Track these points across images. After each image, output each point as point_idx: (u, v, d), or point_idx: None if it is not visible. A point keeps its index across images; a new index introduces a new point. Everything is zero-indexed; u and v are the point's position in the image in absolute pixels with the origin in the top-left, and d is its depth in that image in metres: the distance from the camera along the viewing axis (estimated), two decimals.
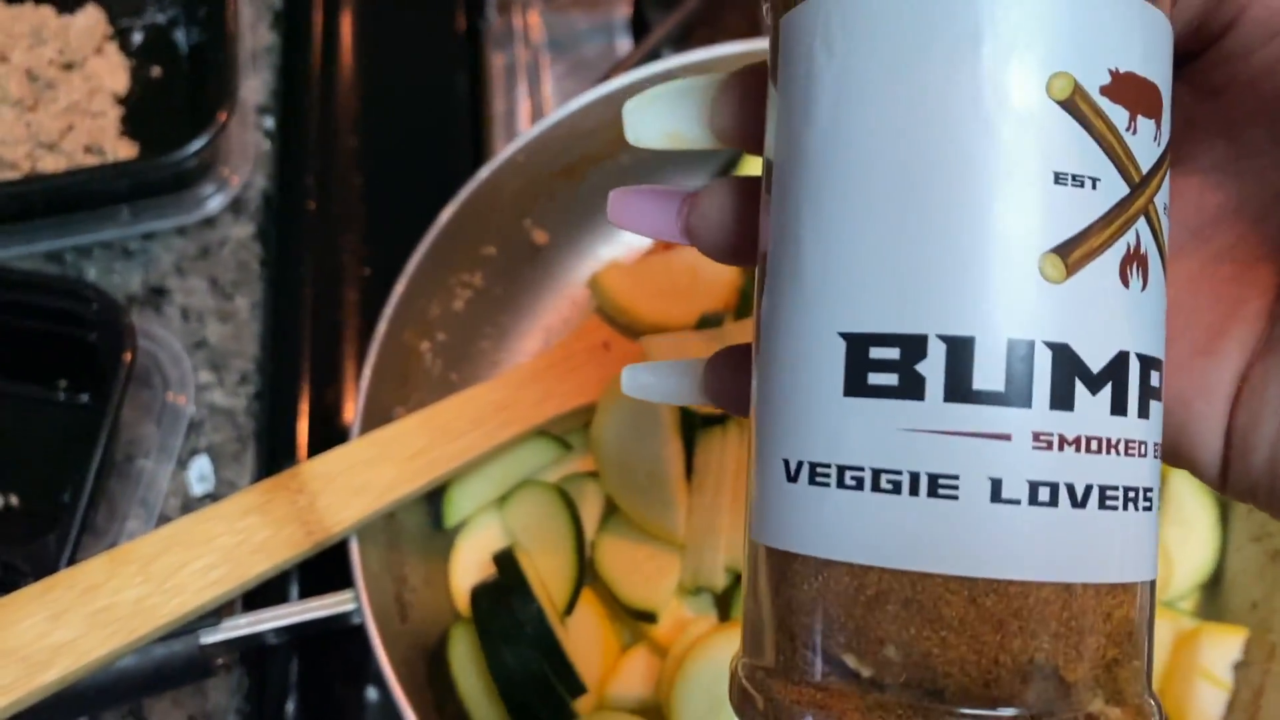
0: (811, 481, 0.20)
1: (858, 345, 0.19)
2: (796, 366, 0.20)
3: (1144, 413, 0.20)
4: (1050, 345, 0.19)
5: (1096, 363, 0.19)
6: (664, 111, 0.25)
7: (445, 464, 0.45)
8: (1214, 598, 0.50)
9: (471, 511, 0.50)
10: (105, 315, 0.55)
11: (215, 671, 0.42)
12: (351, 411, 0.59)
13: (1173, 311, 0.22)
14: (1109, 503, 0.19)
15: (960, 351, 0.19)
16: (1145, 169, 0.19)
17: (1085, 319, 0.19)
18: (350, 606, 0.44)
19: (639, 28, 0.72)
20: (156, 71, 0.69)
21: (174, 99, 0.68)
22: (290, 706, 0.52)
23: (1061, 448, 0.19)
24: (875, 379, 0.19)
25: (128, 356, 0.55)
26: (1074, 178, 0.19)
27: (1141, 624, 0.20)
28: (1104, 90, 0.19)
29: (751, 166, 0.56)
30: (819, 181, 0.20)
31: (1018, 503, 0.18)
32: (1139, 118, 0.19)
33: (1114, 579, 0.19)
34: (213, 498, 0.60)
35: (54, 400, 0.60)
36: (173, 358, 0.62)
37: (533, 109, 0.69)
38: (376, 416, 0.48)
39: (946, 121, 0.19)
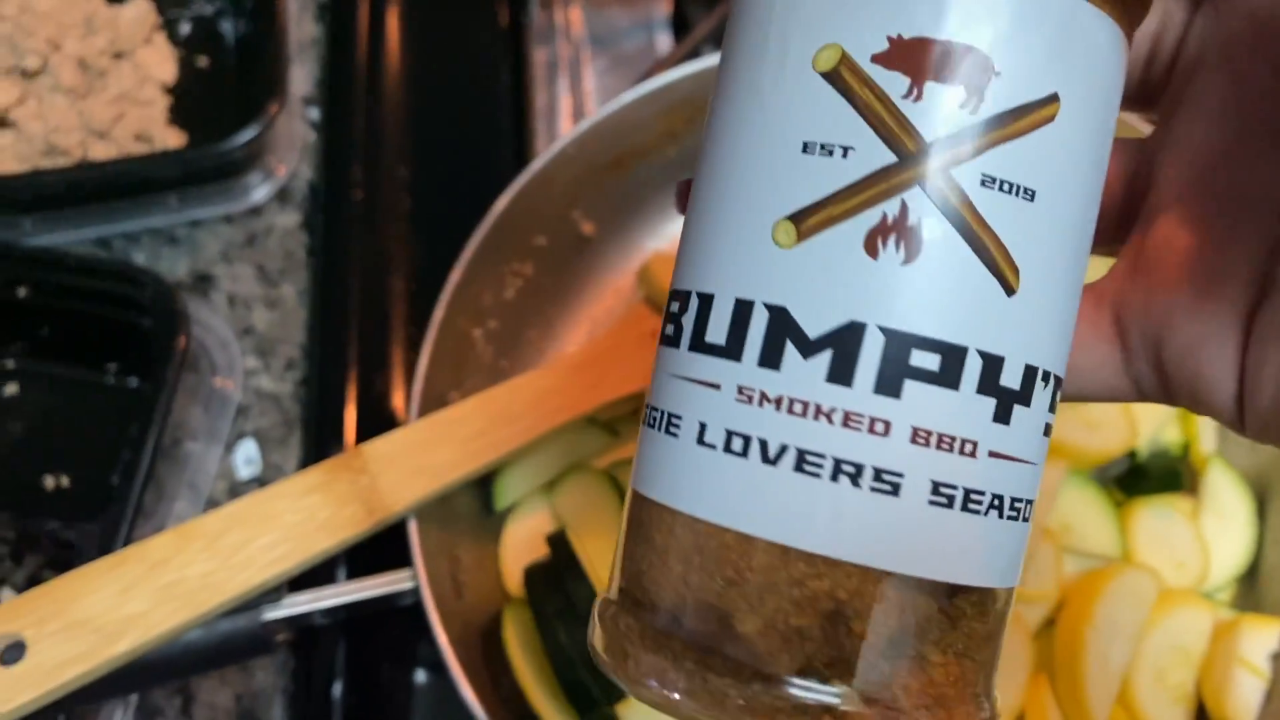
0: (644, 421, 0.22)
1: (669, 300, 0.22)
2: None
3: (888, 389, 0.19)
4: (769, 306, 0.19)
5: (815, 329, 0.19)
6: None
7: (503, 446, 0.46)
8: (1251, 589, 0.50)
9: (521, 496, 0.51)
10: (160, 301, 0.55)
11: (275, 648, 0.43)
12: (399, 398, 0.60)
13: (1177, 256, 0.21)
14: (808, 467, 0.19)
15: (704, 307, 0.20)
16: (931, 137, 0.19)
17: (810, 285, 0.19)
18: (408, 585, 0.45)
19: (679, 24, 0.73)
20: (204, 62, 0.70)
21: (221, 89, 0.69)
22: (337, 688, 0.53)
23: (761, 404, 0.19)
24: (666, 329, 0.21)
25: (181, 342, 0.56)
26: (822, 146, 0.19)
27: (861, 612, 0.19)
28: (877, 58, 0.19)
29: None
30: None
31: (714, 448, 0.19)
32: (928, 83, 0.19)
33: (798, 544, 0.19)
34: (259, 481, 0.61)
35: (103, 383, 0.61)
36: (220, 343, 0.63)
37: (574, 104, 0.70)
38: (432, 401, 0.48)
39: (736, 96, 0.21)
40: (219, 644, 0.42)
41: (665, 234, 0.59)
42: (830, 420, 0.19)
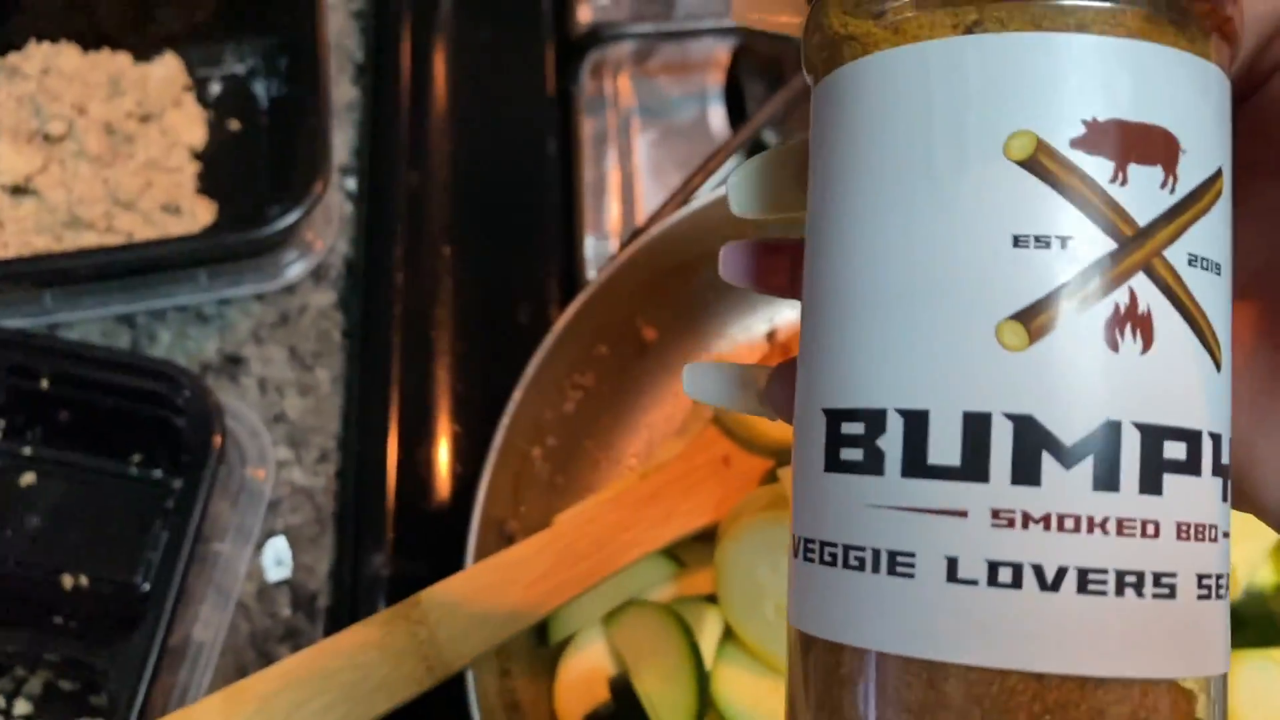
0: (804, 557, 0.20)
1: (833, 421, 0.20)
2: (799, 443, 0.21)
3: (1151, 488, 0.18)
4: (1010, 417, 0.18)
5: (1071, 435, 0.18)
6: (766, 180, 0.25)
7: (569, 590, 0.43)
8: None
9: (577, 628, 0.48)
10: (195, 399, 0.52)
11: None
12: (441, 497, 0.57)
13: (1237, 344, 0.22)
14: (1093, 586, 0.18)
15: (916, 425, 0.19)
16: (1144, 220, 0.18)
17: (1055, 388, 0.18)
18: None
19: (733, 96, 0.70)
20: (235, 125, 0.66)
21: (253, 154, 0.66)
22: None
23: (1026, 525, 0.18)
24: (845, 454, 0.19)
25: (217, 440, 0.52)
26: (1037, 239, 0.18)
27: None
28: (1075, 143, 0.18)
29: None
30: (811, 258, 0.21)
31: (975, 583, 0.18)
32: (1130, 166, 0.18)
33: (1100, 672, 0.18)
34: (289, 584, 0.58)
35: (126, 474, 0.58)
36: (250, 432, 0.59)
37: (622, 178, 0.67)
38: (490, 530, 0.45)
39: (904, 194, 0.19)
40: None
41: (729, 336, 0.56)
42: (1105, 530, 0.18)
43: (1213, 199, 0.19)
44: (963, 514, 0.18)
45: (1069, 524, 0.18)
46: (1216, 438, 0.19)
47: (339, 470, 0.60)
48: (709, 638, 0.46)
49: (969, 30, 0.19)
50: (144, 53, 0.66)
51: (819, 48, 0.21)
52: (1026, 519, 0.18)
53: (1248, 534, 0.48)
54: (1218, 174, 0.19)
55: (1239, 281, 0.22)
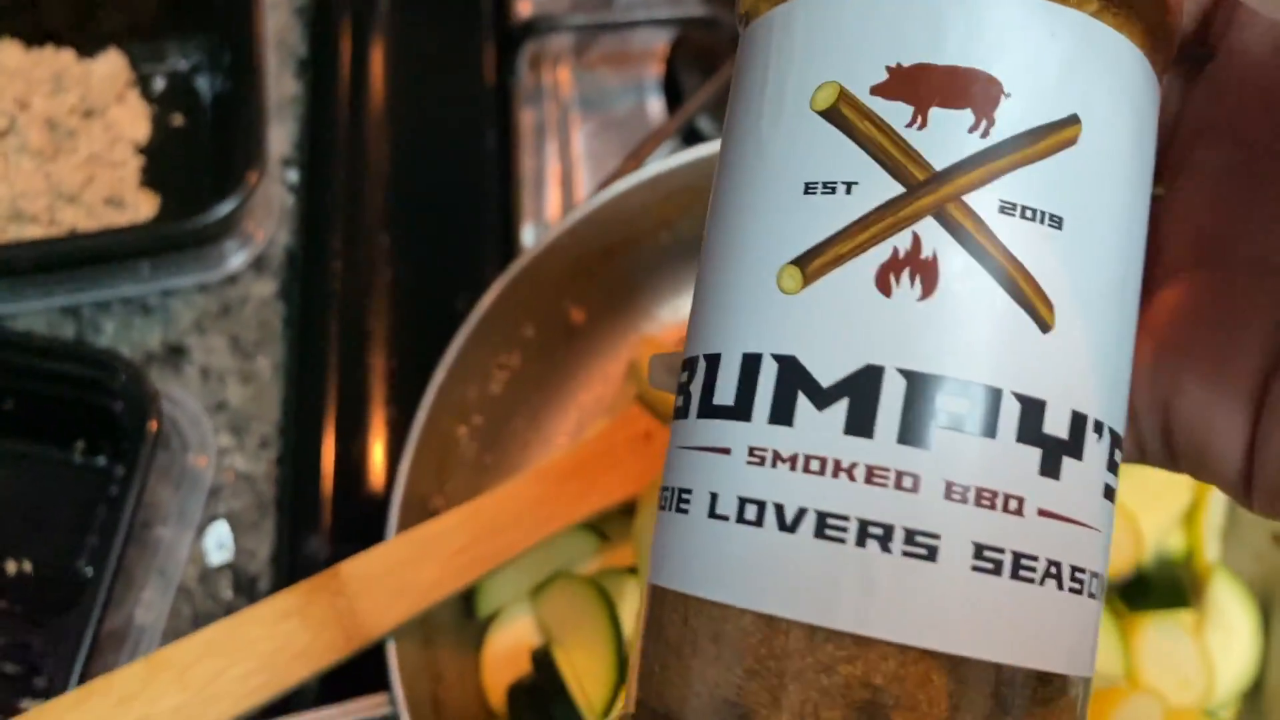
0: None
1: (681, 370, 0.21)
2: None
3: (914, 439, 0.17)
4: (777, 358, 0.18)
5: (828, 376, 0.17)
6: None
7: (488, 562, 0.44)
8: (1255, 706, 0.49)
9: (504, 602, 0.49)
10: (131, 386, 0.53)
11: None
12: (378, 481, 0.58)
13: (1188, 323, 0.21)
14: (831, 532, 0.17)
15: (711, 368, 0.19)
16: (941, 165, 0.18)
17: (820, 330, 0.18)
18: (386, 710, 0.43)
19: (671, 88, 0.71)
20: (178, 120, 0.67)
21: (196, 148, 0.67)
22: None
23: (775, 464, 0.18)
24: (677, 402, 0.20)
25: (153, 425, 0.53)
26: (825, 185, 0.18)
27: (901, 700, 0.16)
28: (876, 89, 0.18)
29: None
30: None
31: (727, 519, 0.18)
32: (932, 109, 0.18)
33: (826, 622, 0.17)
34: (231, 567, 0.59)
35: (69, 462, 0.59)
36: (192, 419, 0.60)
37: (562, 170, 0.68)
38: (413, 506, 0.46)
39: (735, 145, 0.20)
40: None
41: (656, 319, 0.58)
42: (851, 476, 0.17)
43: (1053, 146, 0.18)
44: (726, 451, 0.18)
45: (814, 466, 0.17)
46: (1036, 403, 0.17)
47: (279, 457, 0.61)
48: (630, 608, 0.48)
49: None
50: (87, 49, 0.67)
51: (740, 7, 0.22)
52: (777, 458, 0.17)
53: (1156, 500, 0.49)
54: (1067, 120, 0.18)
55: (1184, 255, 0.21)
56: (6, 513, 0.58)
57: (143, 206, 0.63)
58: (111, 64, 0.67)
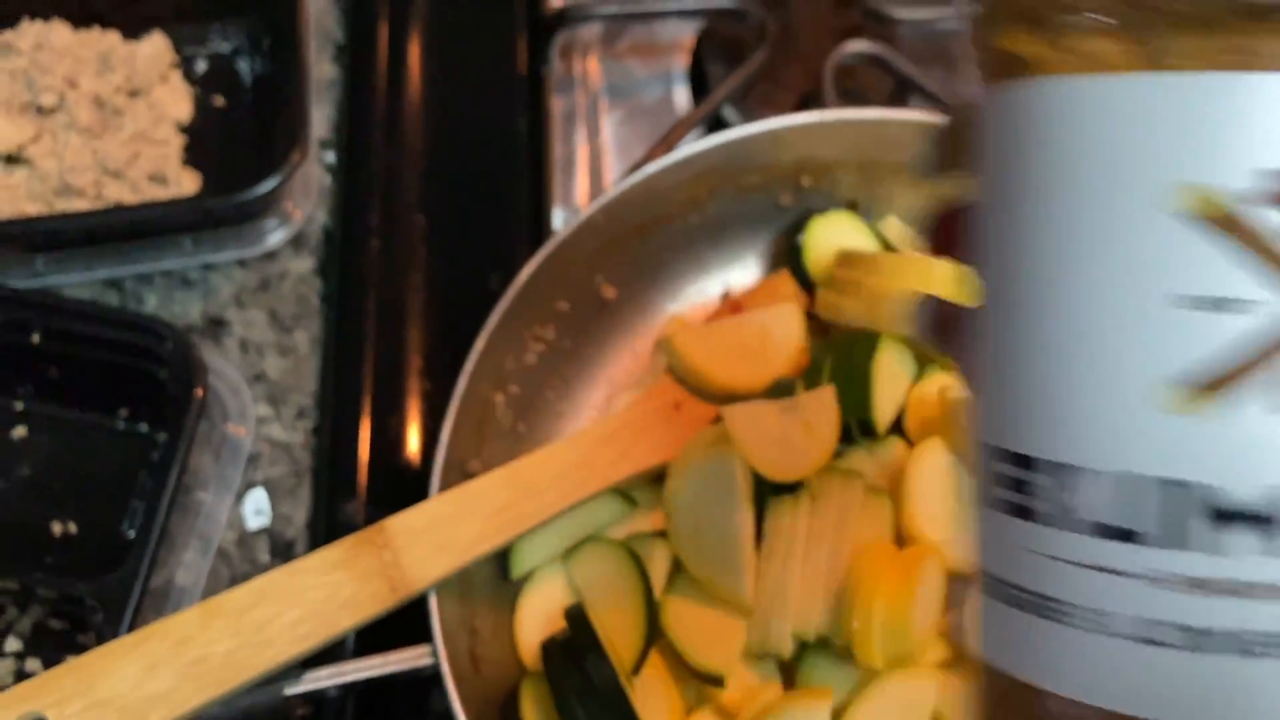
0: (980, 586, 0.21)
1: (990, 456, 0.20)
2: (969, 461, 0.22)
3: None
4: (1166, 481, 0.17)
5: (1233, 500, 0.17)
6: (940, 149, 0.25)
7: (526, 520, 0.46)
8: None
9: (538, 563, 0.51)
10: (178, 353, 0.55)
11: None
12: (413, 451, 0.60)
13: None
14: (1258, 650, 0.17)
15: (1074, 480, 0.18)
16: None
17: (1226, 453, 0.17)
18: (428, 661, 0.45)
19: (697, 78, 0.73)
20: (220, 101, 0.69)
21: (237, 128, 0.69)
22: None
23: (1188, 590, 0.17)
24: (1000, 493, 0.20)
25: (199, 392, 0.55)
26: (1210, 300, 0.17)
27: None
28: (1253, 195, 0.17)
29: (816, 230, 0.57)
30: (978, 271, 0.21)
31: (1129, 638, 0.18)
32: None
33: None
34: (268, 532, 0.61)
35: (113, 428, 0.61)
36: (232, 389, 0.62)
37: (590, 155, 0.70)
38: (452, 469, 0.48)
39: (1044, 234, 0.19)
40: (240, 719, 0.41)
41: (684, 297, 0.60)
42: (1274, 597, 0.17)
43: None
44: (1119, 573, 0.18)
45: (1234, 589, 0.17)
46: None
47: (315, 426, 0.63)
48: (658, 570, 0.49)
49: (1150, 66, 0.17)
50: (132, 31, 0.69)
51: (988, 56, 0.20)
52: (1190, 583, 0.17)
53: None
54: None
55: None
56: (53, 476, 0.60)
57: (185, 183, 0.65)
58: (155, 45, 0.69)
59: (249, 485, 0.62)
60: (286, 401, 0.64)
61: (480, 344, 0.49)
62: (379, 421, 0.61)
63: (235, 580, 0.60)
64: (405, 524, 0.45)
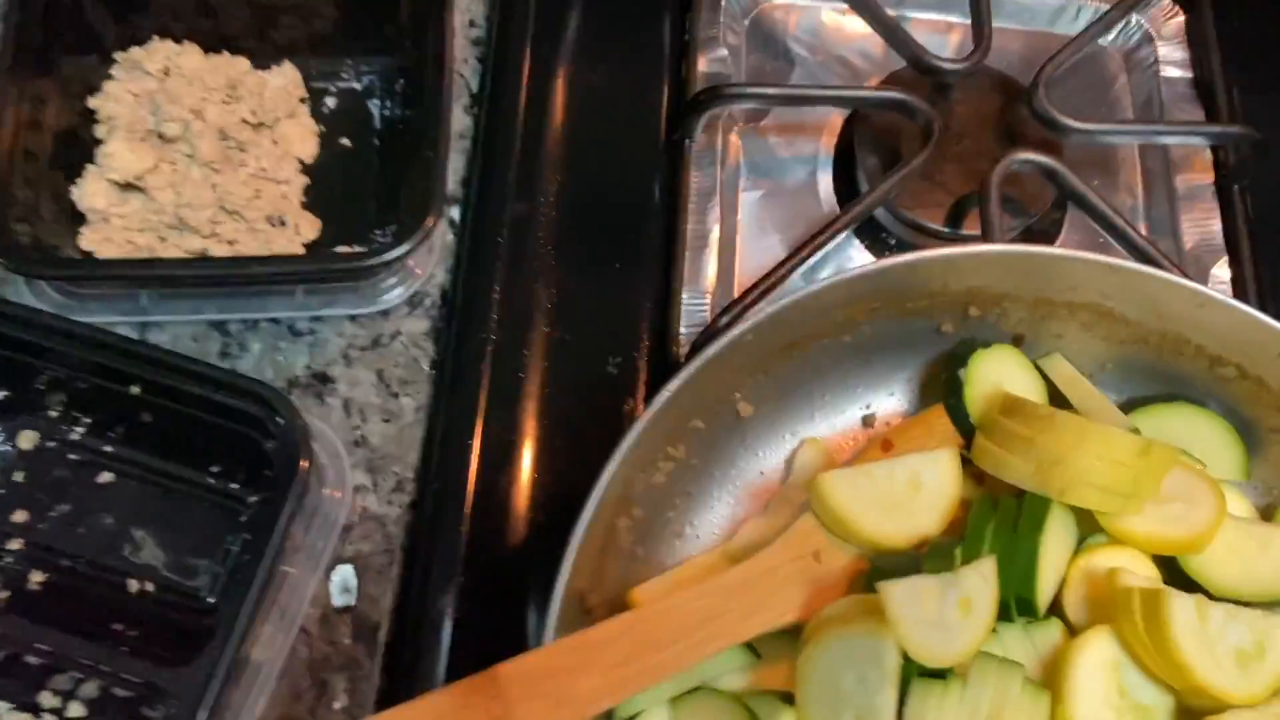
0: None
1: None
2: None
3: None
4: None
5: None
6: None
7: (649, 677, 0.43)
8: None
9: (644, 706, 0.47)
10: (286, 425, 0.52)
11: None
12: (516, 541, 0.56)
13: None
14: None
15: None
16: None
17: None
18: None
19: (842, 163, 0.68)
20: (346, 141, 0.66)
21: (363, 173, 0.65)
22: None
23: None
24: None
25: (304, 465, 0.52)
26: None
27: None
28: None
29: (979, 366, 0.52)
30: None
31: None
32: None
33: None
34: (353, 612, 0.57)
35: (204, 484, 0.58)
36: (332, 454, 0.59)
37: (723, 234, 0.66)
38: (572, 605, 0.45)
39: None
40: None
41: (822, 418, 0.55)
42: None
43: None
44: None
45: None
46: None
47: (413, 501, 0.59)
48: None
49: None
50: (263, 60, 0.66)
51: None
52: None
53: None
54: None
55: None
56: (135, 528, 0.57)
57: (304, 228, 0.62)
58: (286, 76, 0.66)
59: (337, 560, 0.58)
60: (385, 471, 0.60)
61: (612, 467, 0.46)
62: (483, 508, 0.58)
63: (314, 661, 0.57)
64: (520, 672, 0.41)
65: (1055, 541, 0.47)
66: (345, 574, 0.58)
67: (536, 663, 0.41)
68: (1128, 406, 0.54)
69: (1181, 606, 0.43)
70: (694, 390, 0.48)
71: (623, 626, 0.43)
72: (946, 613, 0.43)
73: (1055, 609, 0.48)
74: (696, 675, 0.47)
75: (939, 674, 0.43)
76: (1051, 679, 0.45)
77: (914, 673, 0.43)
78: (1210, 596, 0.46)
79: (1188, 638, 0.43)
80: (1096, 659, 0.44)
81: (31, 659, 0.53)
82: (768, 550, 0.47)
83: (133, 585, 0.56)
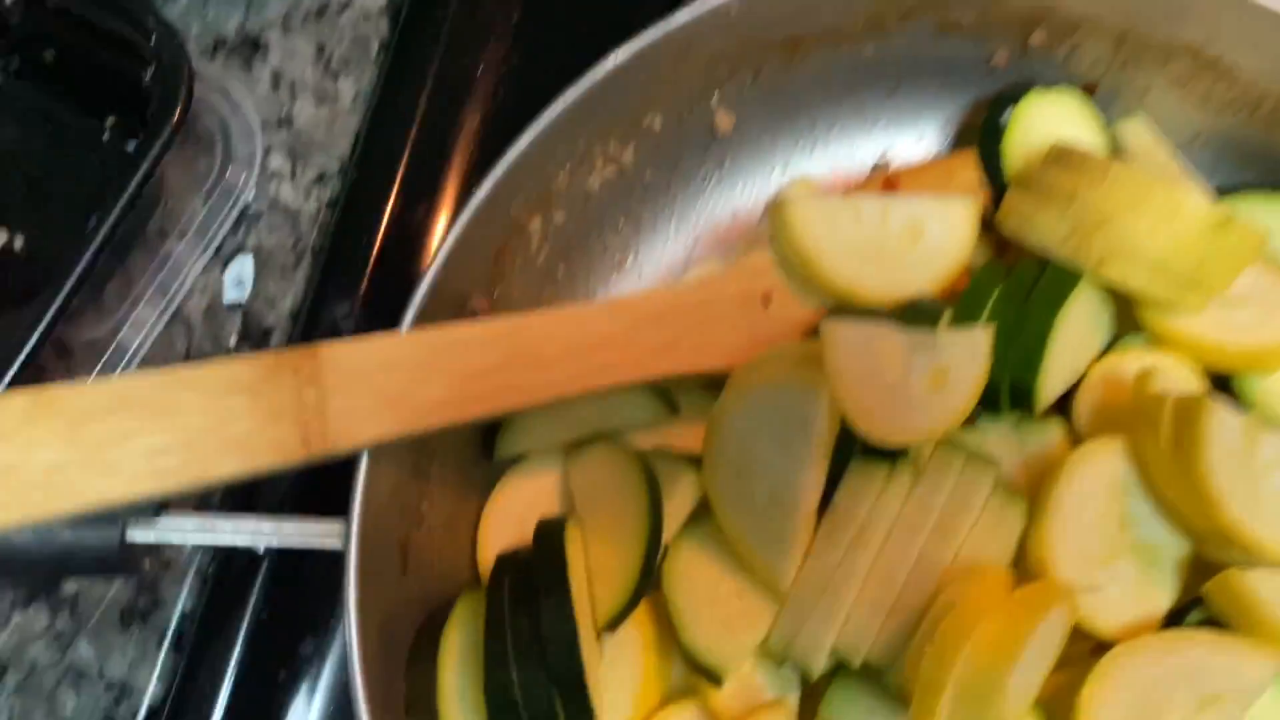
0: None
1: None
2: None
3: None
4: None
5: None
6: None
7: (515, 397, 0.34)
8: None
9: (532, 447, 0.39)
10: (163, 52, 0.43)
11: (137, 571, 0.32)
12: (429, 257, 0.47)
13: None
14: None
15: None
16: None
17: None
18: (334, 544, 0.33)
19: None
20: None
21: None
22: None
23: None
24: None
25: (181, 101, 0.43)
26: None
27: None
28: None
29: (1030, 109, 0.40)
30: None
31: None
32: None
33: None
34: (244, 310, 0.49)
35: (96, 137, 0.49)
36: (244, 131, 0.50)
37: None
38: (446, 302, 0.35)
39: None
40: (58, 556, 0.30)
41: (825, 153, 0.44)
42: None
43: None
44: None
45: None
46: None
47: (332, 199, 0.50)
48: (678, 506, 0.36)
49: None
50: None
51: None
52: None
53: None
54: None
55: None
56: (14, 173, 0.49)
57: None
58: None
59: (237, 250, 0.50)
60: (308, 160, 0.51)
61: (522, 143, 0.36)
62: (405, 214, 0.48)
63: (190, 357, 0.49)
64: (347, 359, 0.32)
65: (1077, 327, 0.36)
66: (243, 266, 0.50)
67: (371, 352, 0.32)
68: (1218, 195, 0.42)
69: (1226, 423, 0.32)
70: (650, 68, 0.38)
71: (495, 332, 0.34)
72: (912, 379, 0.33)
73: (1060, 413, 0.37)
74: (600, 421, 0.38)
75: (886, 455, 0.33)
76: (1035, 492, 0.34)
77: (855, 451, 0.34)
78: None
79: (1225, 464, 0.32)
80: (1100, 475, 0.34)
81: None
82: (706, 280, 0.37)
83: (1, 238, 0.48)
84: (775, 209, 0.37)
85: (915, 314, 0.35)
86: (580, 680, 0.32)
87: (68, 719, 0.44)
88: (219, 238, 0.49)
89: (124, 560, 0.31)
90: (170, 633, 0.45)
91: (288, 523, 0.33)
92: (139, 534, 0.31)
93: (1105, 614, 0.33)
